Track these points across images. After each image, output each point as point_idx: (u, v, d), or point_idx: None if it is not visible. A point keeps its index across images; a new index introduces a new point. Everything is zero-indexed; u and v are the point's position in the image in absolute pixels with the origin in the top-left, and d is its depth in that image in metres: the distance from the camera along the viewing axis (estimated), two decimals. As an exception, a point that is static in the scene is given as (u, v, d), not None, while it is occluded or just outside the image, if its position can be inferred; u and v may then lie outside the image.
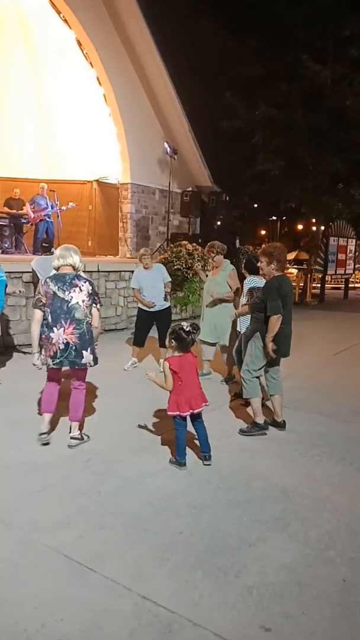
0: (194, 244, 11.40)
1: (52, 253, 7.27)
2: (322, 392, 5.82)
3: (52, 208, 11.35)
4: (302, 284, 16.93)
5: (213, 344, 6.12)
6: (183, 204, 14.10)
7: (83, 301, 3.83)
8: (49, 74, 13.29)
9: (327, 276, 17.56)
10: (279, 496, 3.32)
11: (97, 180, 13.78)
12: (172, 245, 11.81)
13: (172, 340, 3.64)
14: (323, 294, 17.18)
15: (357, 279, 23.34)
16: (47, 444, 3.97)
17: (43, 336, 3.86)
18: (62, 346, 3.79)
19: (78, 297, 3.81)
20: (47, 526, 2.89)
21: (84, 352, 3.84)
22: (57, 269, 3.90)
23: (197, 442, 3.86)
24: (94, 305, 3.91)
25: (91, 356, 3.91)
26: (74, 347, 3.80)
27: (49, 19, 12.23)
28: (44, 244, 10.56)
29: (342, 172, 15.34)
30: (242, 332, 5.12)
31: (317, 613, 2.27)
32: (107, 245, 13.86)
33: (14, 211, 11.42)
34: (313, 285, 17.46)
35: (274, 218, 39.35)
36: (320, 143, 15.05)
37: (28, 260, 7.81)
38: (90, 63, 12.56)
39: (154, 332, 6.58)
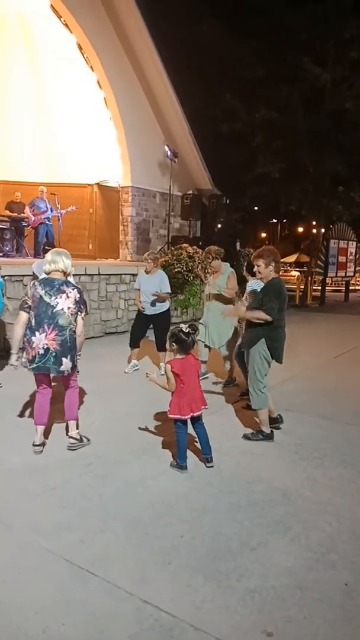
0: (195, 247, 11.41)
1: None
2: (323, 395, 5.81)
3: (51, 211, 11.38)
4: (303, 287, 16.93)
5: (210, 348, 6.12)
6: (183, 207, 14.13)
7: (69, 308, 3.77)
8: (50, 78, 13.33)
9: (327, 279, 17.55)
10: (280, 499, 3.31)
11: (97, 184, 13.80)
12: (172, 248, 11.82)
13: (173, 344, 3.62)
14: (324, 297, 17.17)
15: (358, 281, 23.30)
16: (40, 453, 3.93)
17: (25, 339, 3.83)
18: (41, 351, 3.74)
19: (64, 303, 3.76)
20: (48, 529, 2.88)
21: (63, 359, 3.77)
22: (48, 273, 3.88)
23: (197, 444, 3.85)
24: (79, 313, 3.85)
25: (70, 364, 3.82)
26: (53, 354, 3.74)
27: (50, 24, 12.28)
28: (46, 247, 10.57)
29: (342, 174, 15.34)
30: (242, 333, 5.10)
31: (319, 617, 2.26)
32: (108, 248, 13.88)
33: (15, 214, 11.44)
34: (314, 287, 17.45)
35: (275, 221, 39.37)
36: (321, 145, 15.07)
37: (29, 263, 7.80)
38: (91, 67, 12.61)
39: (152, 335, 6.58)
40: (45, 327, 3.74)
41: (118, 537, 2.84)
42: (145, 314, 6.40)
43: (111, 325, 9.53)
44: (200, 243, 12.33)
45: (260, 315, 4.10)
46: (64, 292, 3.78)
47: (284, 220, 39.12)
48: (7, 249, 10.89)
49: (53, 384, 4.12)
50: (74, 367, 3.89)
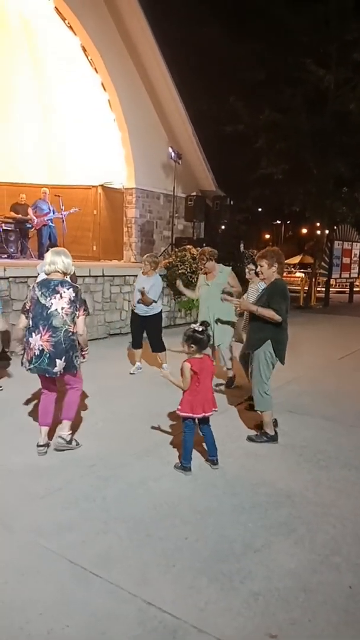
0: (199, 248, 11.40)
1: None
2: (327, 397, 5.79)
3: (53, 213, 11.41)
4: (307, 288, 16.89)
5: (212, 347, 6.09)
6: (187, 208, 14.12)
7: (62, 308, 3.75)
8: (54, 80, 13.38)
9: (331, 280, 17.51)
10: (284, 501, 3.30)
11: (101, 185, 13.82)
12: (176, 249, 11.82)
13: (191, 345, 3.63)
14: (328, 298, 17.12)
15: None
16: (44, 454, 3.93)
17: (25, 340, 3.85)
18: (37, 352, 3.74)
19: (58, 304, 3.74)
20: (50, 531, 2.88)
21: (57, 360, 3.75)
22: (48, 274, 3.88)
23: (203, 445, 3.84)
24: (75, 312, 3.81)
25: (64, 364, 3.78)
26: (47, 355, 3.73)
27: (54, 26, 12.31)
28: (49, 249, 10.60)
29: (346, 175, 15.30)
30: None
31: (323, 620, 2.25)
32: (112, 249, 13.90)
33: (20, 216, 11.48)
34: (318, 289, 17.41)
35: (278, 222, 39.35)
36: (324, 147, 15.03)
37: (33, 265, 7.83)
38: (95, 69, 12.64)
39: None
40: (40, 328, 3.74)
41: (121, 538, 2.83)
42: (138, 315, 6.44)
43: (115, 327, 9.54)
44: (204, 244, 12.29)
45: (271, 314, 4.06)
46: (58, 292, 3.77)
47: (288, 222, 39.10)
48: (12, 250, 10.93)
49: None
50: (69, 367, 3.83)
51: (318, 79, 14.67)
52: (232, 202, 15.18)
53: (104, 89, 12.86)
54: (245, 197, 17.34)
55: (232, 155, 17.76)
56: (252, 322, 4.38)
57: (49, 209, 11.45)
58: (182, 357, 3.79)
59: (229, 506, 3.21)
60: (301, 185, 15.79)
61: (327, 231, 17.38)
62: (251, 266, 5.53)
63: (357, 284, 21.31)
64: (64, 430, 4.01)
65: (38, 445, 3.95)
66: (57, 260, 3.85)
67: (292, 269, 28.95)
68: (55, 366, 3.76)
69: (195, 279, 10.66)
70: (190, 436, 3.69)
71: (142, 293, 6.16)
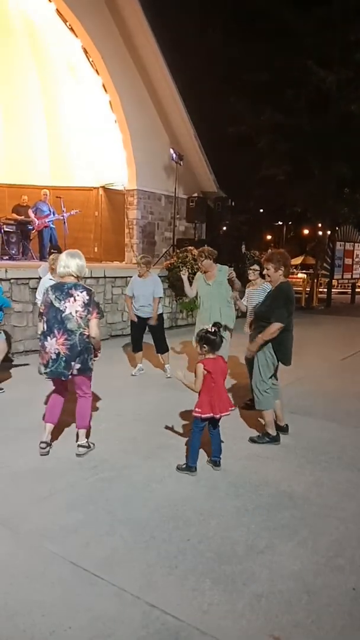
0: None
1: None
2: (329, 398, 5.78)
3: (54, 214, 11.43)
4: (309, 289, 16.88)
5: None
6: (189, 209, 14.13)
7: (77, 312, 3.75)
8: (56, 82, 13.40)
9: (333, 281, 17.50)
10: (287, 503, 3.29)
11: (103, 187, 13.85)
12: (178, 250, 11.82)
13: (204, 346, 3.68)
14: (330, 299, 17.12)
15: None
16: (46, 454, 3.93)
17: (40, 344, 3.86)
18: (53, 356, 3.76)
19: (72, 307, 3.75)
20: (54, 533, 2.88)
21: (73, 363, 3.77)
22: (62, 277, 3.87)
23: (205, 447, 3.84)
24: (89, 315, 3.82)
25: (79, 366, 3.81)
26: (63, 358, 3.75)
27: (56, 28, 12.35)
28: (52, 251, 10.61)
29: (348, 176, 15.31)
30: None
31: (327, 622, 2.25)
32: (114, 251, 13.91)
33: (21, 217, 11.50)
34: (320, 290, 17.40)
35: (280, 223, 39.32)
36: (327, 148, 15.04)
37: (34, 266, 7.85)
38: (97, 70, 12.66)
39: (148, 338, 6.60)
40: (55, 331, 3.74)
41: (124, 540, 2.83)
42: (138, 317, 6.43)
43: (117, 328, 9.55)
44: (206, 245, 12.32)
45: (273, 331, 4.07)
46: (71, 295, 3.77)
47: (290, 223, 39.06)
48: (14, 252, 10.95)
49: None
50: (85, 369, 3.86)
51: (320, 79, 14.68)
52: (233, 203, 15.20)
53: (105, 90, 12.89)
54: (247, 198, 17.37)
55: (234, 157, 17.78)
56: (256, 323, 4.43)
57: (50, 211, 11.47)
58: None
59: (232, 508, 3.21)
60: (303, 186, 15.80)
61: (329, 232, 17.38)
62: (255, 267, 5.52)
63: (359, 284, 21.29)
64: (82, 439, 4.03)
65: (41, 442, 3.95)
66: (71, 264, 3.83)
67: (294, 269, 28.91)
68: (71, 369, 3.79)
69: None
70: (198, 437, 3.70)
71: (154, 301, 6.28)
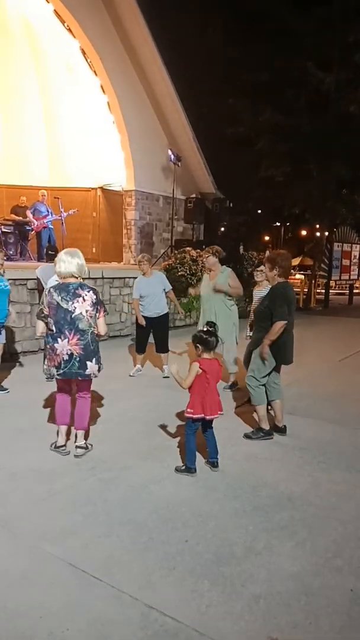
0: (198, 251, 11.42)
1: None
2: (328, 399, 5.79)
3: (52, 215, 11.42)
4: (307, 290, 16.90)
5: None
6: (187, 210, 14.14)
7: (87, 311, 3.78)
8: (54, 82, 13.39)
9: (331, 282, 17.53)
10: (285, 504, 3.30)
11: (101, 187, 13.85)
12: (176, 251, 11.83)
13: (198, 345, 3.70)
14: (327, 300, 17.14)
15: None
16: (67, 454, 3.96)
17: (47, 346, 3.86)
18: (66, 357, 3.76)
19: (81, 307, 3.77)
20: (53, 534, 2.88)
21: (88, 362, 3.80)
22: (62, 277, 3.85)
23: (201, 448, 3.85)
24: (97, 314, 3.87)
25: (96, 366, 3.87)
26: (77, 358, 3.77)
27: (54, 29, 12.34)
28: (50, 252, 10.61)
29: (347, 177, 15.33)
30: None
31: (325, 623, 2.25)
32: (111, 251, 13.91)
33: (19, 218, 11.49)
34: (317, 290, 17.42)
35: (278, 224, 39.35)
36: (326, 149, 15.06)
37: (33, 267, 7.85)
38: (94, 71, 12.66)
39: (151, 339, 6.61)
40: (67, 332, 3.74)
41: (123, 542, 2.83)
42: (146, 318, 6.42)
43: (115, 329, 9.54)
44: (204, 247, 12.31)
45: (276, 330, 4.11)
46: (79, 295, 3.77)
47: (288, 224, 39.10)
48: (12, 252, 10.94)
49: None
50: (100, 369, 3.91)
51: (319, 80, 14.69)
52: (231, 204, 15.20)
53: (104, 91, 12.89)
54: (246, 199, 17.38)
55: (233, 158, 17.79)
56: (256, 324, 4.48)
57: (48, 211, 11.46)
58: (182, 359, 3.80)
59: (230, 509, 3.21)
60: (302, 187, 15.82)
61: (326, 233, 17.40)
62: (262, 268, 5.55)
63: (357, 285, 21.34)
64: (80, 440, 4.03)
65: (57, 446, 3.98)
66: (73, 263, 3.81)
67: (292, 270, 28.93)
68: (87, 368, 3.80)
69: (194, 280, 10.70)
70: (193, 438, 3.70)
71: (169, 294, 6.42)
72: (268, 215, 29.66)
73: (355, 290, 20.20)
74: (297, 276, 22.76)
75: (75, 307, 3.76)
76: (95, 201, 13.83)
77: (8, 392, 5.70)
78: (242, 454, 4.11)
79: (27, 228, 11.61)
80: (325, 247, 17.03)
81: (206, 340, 3.67)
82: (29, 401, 5.23)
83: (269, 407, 4.63)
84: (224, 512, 3.17)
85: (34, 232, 11.58)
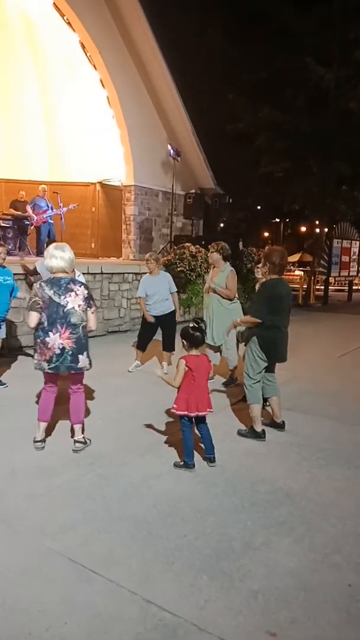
0: (197, 246, 11.41)
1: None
2: (326, 395, 5.80)
3: (52, 210, 11.39)
4: (306, 286, 16.89)
5: (216, 348, 6.07)
6: (186, 206, 14.11)
7: (79, 306, 3.80)
8: (54, 76, 13.34)
9: (330, 278, 17.52)
10: (284, 500, 3.30)
11: (100, 182, 13.81)
12: (175, 247, 11.81)
13: (183, 341, 3.70)
14: (327, 296, 17.14)
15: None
16: (41, 449, 3.96)
17: (38, 340, 3.85)
18: (58, 351, 3.77)
19: (74, 301, 3.78)
20: (52, 530, 2.88)
21: (80, 356, 3.81)
22: (54, 272, 3.85)
23: (201, 444, 3.85)
24: (89, 308, 3.88)
25: (87, 360, 3.89)
26: (70, 352, 3.78)
27: (53, 23, 12.29)
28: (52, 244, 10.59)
29: (347, 174, 15.29)
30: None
31: (323, 619, 2.26)
32: (111, 247, 13.88)
33: (18, 213, 11.46)
34: (317, 287, 17.41)
35: (278, 220, 39.31)
36: (325, 146, 15.02)
37: (31, 262, 7.81)
38: (94, 65, 12.61)
39: (158, 335, 6.59)
40: (59, 326, 3.75)
41: (122, 537, 2.83)
42: (153, 316, 6.40)
43: (113, 324, 9.54)
44: (203, 242, 12.32)
45: (247, 319, 4.29)
46: (72, 290, 3.79)
47: (287, 220, 39.06)
48: (10, 247, 10.91)
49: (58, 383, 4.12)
50: (90, 362, 3.94)
51: (319, 77, 14.64)
52: (231, 200, 15.17)
53: (103, 85, 12.84)
54: (245, 195, 17.35)
55: (232, 154, 17.74)
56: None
57: (47, 206, 11.43)
58: (180, 354, 3.80)
59: (229, 505, 3.22)
60: (301, 184, 15.78)
61: (326, 229, 17.38)
62: (261, 264, 5.56)
63: (356, 282, 21.34)
64: (78, 434, 4.03)
65: (35, 441, 3.98)
66: (63, 260, 3.82)
67: (291, 267, 28.93)
68: (79, 362, 3.82)
69: (193, 276, 10.70)
70: (189, 434, 3.70)
71: (173, 297, 6.43)
72: (268, 211, 29.63)
73: (354, 287, 20.20)
74: (297, 272, 22.77)
75: (68, 302, 3.77)
76: (94, 196, 13.79)
77: (7, 386, 5.70)
78: (241, 449, 4.12)
79: (26, 223, 11.58)
80: (324, 244, 17.01)
81: (192, 335, 3.65)
82: (28, 396, 5.22)
83: (267, 404, 4.64)
84: (223, 508, 3.18)
85: (33, 226, 11.56)
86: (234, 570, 2.57)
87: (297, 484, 3.53)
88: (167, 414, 4.81)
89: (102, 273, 9.30)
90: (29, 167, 13.55)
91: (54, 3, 11.80)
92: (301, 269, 25.33)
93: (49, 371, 3.84)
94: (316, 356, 7.90)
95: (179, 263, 10.64)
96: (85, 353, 3.86)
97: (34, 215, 11.29)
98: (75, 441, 4.01)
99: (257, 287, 5.64)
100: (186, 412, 3.62)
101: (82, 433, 4.07)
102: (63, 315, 3.76)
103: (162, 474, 3.61)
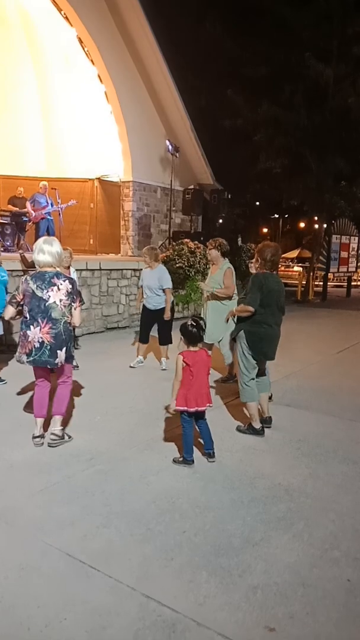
0: (196, 242, 11.39)
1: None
2: (325, 391, 5.80)
3: (52, 206, 11.36)
4: (305, 282, 16.89)
5: (209, 345, 6.04)
6: (185, 202, 14.07)
7: (61, 300, 3.77)
8: (52, 72, 13.28)
9: (329, 274, 17.52)
10: (283, 496, 3.31)
11: (98, 178, 13.76)
12: (174, 243, 11.79)
13: (181, 337, 3.70)
14: (325, 292, 17.14)
15: (360, 276, 23.25)
16: (40, 445, 3.95)
17: (21, 332, 3.85)
18: (37, 345, 3.75)
19: (55, 296, 3.76)
20: (51, 526, 2.88)
21: (58, 351, 3.78)
22: (40, 266, 3.84)
23: (200, 440, 3.85)
24: (72, 304, 3.84)
25: (64, 355, 3.84)
26: (48, 347, 3.75)
27: (51, 17, 12.21)
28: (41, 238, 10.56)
29: (345, 170, 15.28)
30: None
31: (322, 614, 2.26)
32: (109, 243, 13.85)
33: (16, 209, 11.42)
34: (315, 283, 17.41)
35: (276, 216, 39.26)
36: (324, 142, 14.99)
37: (29, 258, 7.78)
38: (92, 60, 12.54)
39: (155, 331, 6.60)
40: (39, 320, 3.75)
41: (121, 532, 2.84)
42: (148, 310, 6.44)
43: (112, 321, 9.53)
44: (202, 238, 12.29)
45: (241, 308, 4.25)
46: (55, 284, 3.77)
47: (286, 216, 39.01)
48: (8, 243, 10.90)
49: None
50: (68, 357, 3.91)
51: (317, 73, 14.60)
52: (230, 196, 15.14)
53: (101, 81, 12.78)
54: (244, 191, 17.32)
55: (231, 150, 17.70)
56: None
57: (47, 202, 11.39)
58: (179, 349, 3.79)
59: (228, 500, 3.22)
60: (300, 180, 15.77)
61: (325, 225, 17.37)
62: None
63: (355, 278, 21.34)
64: (56, 425, 4.00)
65: (34, 437, 3.97)
66: (50, 255, 3.80)
67: (290, 263, 28.93)
68: (57, 357, 3.79)
69: (192, 272, 10.68)
70: (189, 430, 3.70)
71: (165, 292, 6.34)
72: (266, 207, 29.58)
73: (353, 283, 20.20)
74: (295, 268, 22.77)
75: (50, 296, 3.75)
76: (92, 192, 13.75)
77: (5, 383, 5.69)
78: (240, 445, 4.12)
79: (24, 219, 11.55)
80: (323, 240, 17.00)
81: (190, 332, 3.65)
82: (26, 393, 5.22)
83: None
84: (222, 504, 3.18)
85: (31, 222, 11.52)
86: (233, 566, 2.57)
87: (296, 480, 3.53)
88: (166, 410, 4.81)
89: (100, 269, 9.28)
90: (27, 163, 13.50)
91: (51, -3, 11.74)
92: (300, 265, 25.33)
93: (28, 364, 3.84)
94: (315, 352, 7.90)
95: (178, 259, 10.62)
96: (64, 349, 3.81)
97: (32, 211, 11.25)
98: (52, 432, 3.96)
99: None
100: (185, 408, 3.62)
101: (61, 425, 4.02)
102: (44, 310, 3.74)
103: (161, 470, 3.61)
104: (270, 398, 4.70)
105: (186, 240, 11.47)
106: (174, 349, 7.25)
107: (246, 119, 15.47)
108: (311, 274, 17.14)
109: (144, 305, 6.57)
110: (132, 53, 13.13)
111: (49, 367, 3.86)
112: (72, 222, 12.68)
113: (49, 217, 11.42)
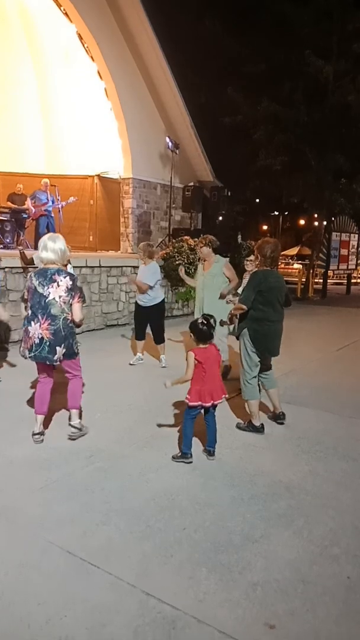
0: (196, 239, 11.36)
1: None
2: (325, 389, 5.80)
3: (52, 203, 11.33)
4: (305, 280, 16.88)
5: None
6: (185, 199, 14.04)
7: (60, 297, 3.78)
8: (51, 69, 13.24)
9: (329, 271, 17.50)
10: (282, 493, 3.31)
11: (98, 175, 13.73)
12: (173, 240, 11.77)
13: (191, 335, 3.74)
14: (325, 290, 17.12)
15: (360, 274, 23.24)
16: (40, 442, 3.96)
17: (24, 328, 3.88)
18: (37, 341, 3.77)
19: (55, 292, 3.77)
20: (50, 523, 2.88)
21: (57, 348, 3.79)
22: (44, 263, 3.86)
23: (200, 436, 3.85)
24: (72, 300, 3.84)
25: (64, 351, 3.83)
26: (47, 343, 3.76)
27: (50, 13, 12.17)
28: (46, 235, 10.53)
29: (345, 167, 15.24)
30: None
31: (321, 611, 2.26)
32: (109, 240, 13.83)
33: (16, 206, 11.40)
34: (315, 280, 17.40)
35: (276, 213, 39.20)
36: (324, 139, 14.95)
37: (29, 255, 7.77)
38: (92, 57, 12.50)
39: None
40: (39, 316, 3.76)
41: (120, 529, 2.84)
42: (141, 306, 6.46)
43: (112, 318, 9.52)
44: (202, 235, 12.27)
45: (236, 306, 4.28)
46: (55, 280, 3.78)
47: (286, 213, 38.96)
48: (8, 240, 10.87)
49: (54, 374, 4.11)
50: (70, 354, 3.91)
51: (317, 70, 14.55)
52: (230, 193, 15.11)
53: (101, 77, 12.73)
54: (244, 188, 17.28)
55: (231, 147, 17.66)
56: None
57: (48, 199, 11.37)
58: (180, 347, 3.79)
59: (228, 497, 3.22)
60: (300, 177, 15.73)
61: (325, 222, 17.34)
62: (252, 257, 5.56)
63: (355, 275, 21.33)
64: (73, 419, 4.05)
65: (34, 434, 3.98)
66: (54, 252, 3.82)
67: (290, 260, 28.91)
68: (56, 354, 3.79)
69: (192, 269, 10.64)
70: (190, 424, 3.71)
71: (138, 283, 6.27)
72: (266, 204, 29.53)
73: (353, 280, 20.20)
74: (295, 266, 22.74)
75: (50, 292, 3.77)
76: (92, 189, 13.72)
77: (0, 381, 5.67)
78: (240, 442, 4.12)
79: (24, 216, 11.52)
80: (323, 237, 16.97)
81: (201, 331, 3.68)
82: (26, 390, 5.22)
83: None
84: (222, 501, 3.18)
85: (31, 219, 11.50)
86: (233, 563, 2.57)
87: (296, 477, 3.53)
88: (166, 408, 4.81)
89: (100, 266, 9.26)
90: (26, 159, 13.47)
91: (51, -7, 11.68)
92: (300, 262, 25.31)
93: (29, 359, 3.85)
94: (315, 349, 7.90)
95: (178, 256, 10.60)
96: (63, 345, 3.81)
97: (32, 208, 11.23)
98: (71, 425, 4.01)
99: (243, 281, 5.62)
100: (200, 403, 3.64)
101: (79, 419, 4.07)
102: (44, 306, 3.76)
103: (160, 467, 3.61)
104: None
105: (186, 237, 11.44)
106: (175, 347, 7.27)
107: (246, 116, 15.43)
108: (311, 271, 17.12)
109: (136, 302, 6.59)
110: (132, 50, 13.08)
111: (47, 363, 3.86)
112: (72, 219, 12.65)
113: (49, 214, 11.40)
